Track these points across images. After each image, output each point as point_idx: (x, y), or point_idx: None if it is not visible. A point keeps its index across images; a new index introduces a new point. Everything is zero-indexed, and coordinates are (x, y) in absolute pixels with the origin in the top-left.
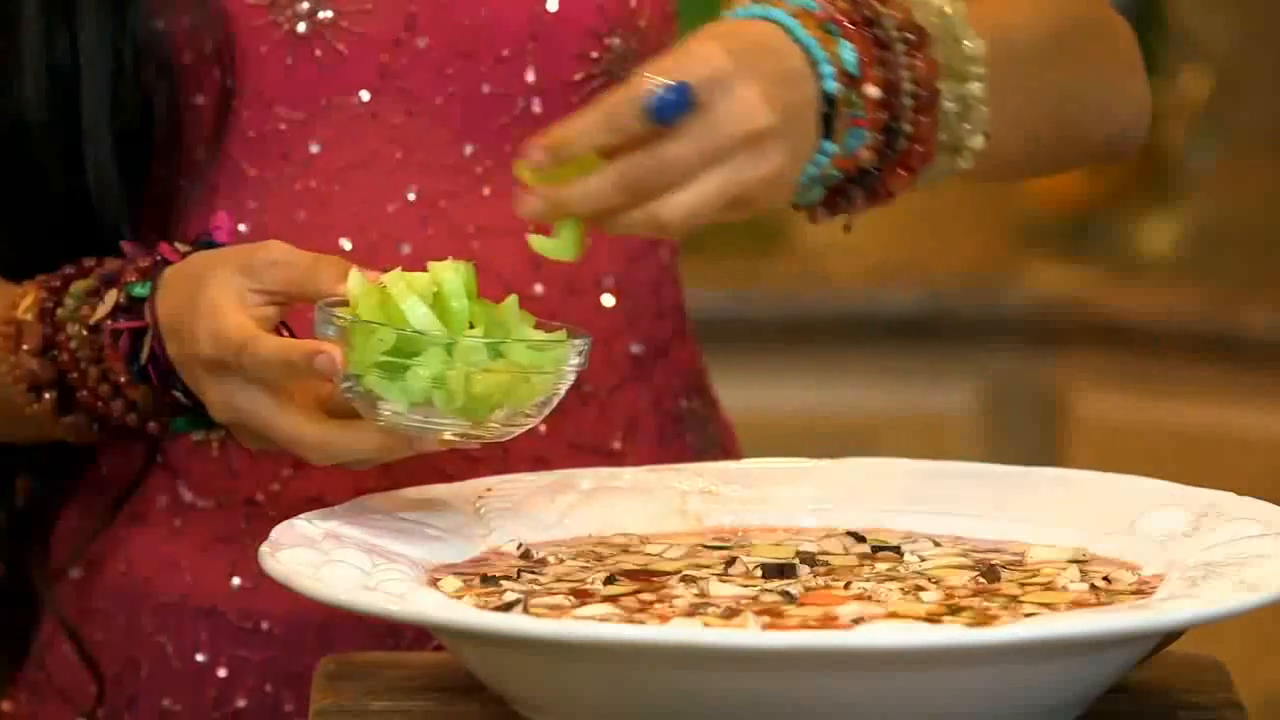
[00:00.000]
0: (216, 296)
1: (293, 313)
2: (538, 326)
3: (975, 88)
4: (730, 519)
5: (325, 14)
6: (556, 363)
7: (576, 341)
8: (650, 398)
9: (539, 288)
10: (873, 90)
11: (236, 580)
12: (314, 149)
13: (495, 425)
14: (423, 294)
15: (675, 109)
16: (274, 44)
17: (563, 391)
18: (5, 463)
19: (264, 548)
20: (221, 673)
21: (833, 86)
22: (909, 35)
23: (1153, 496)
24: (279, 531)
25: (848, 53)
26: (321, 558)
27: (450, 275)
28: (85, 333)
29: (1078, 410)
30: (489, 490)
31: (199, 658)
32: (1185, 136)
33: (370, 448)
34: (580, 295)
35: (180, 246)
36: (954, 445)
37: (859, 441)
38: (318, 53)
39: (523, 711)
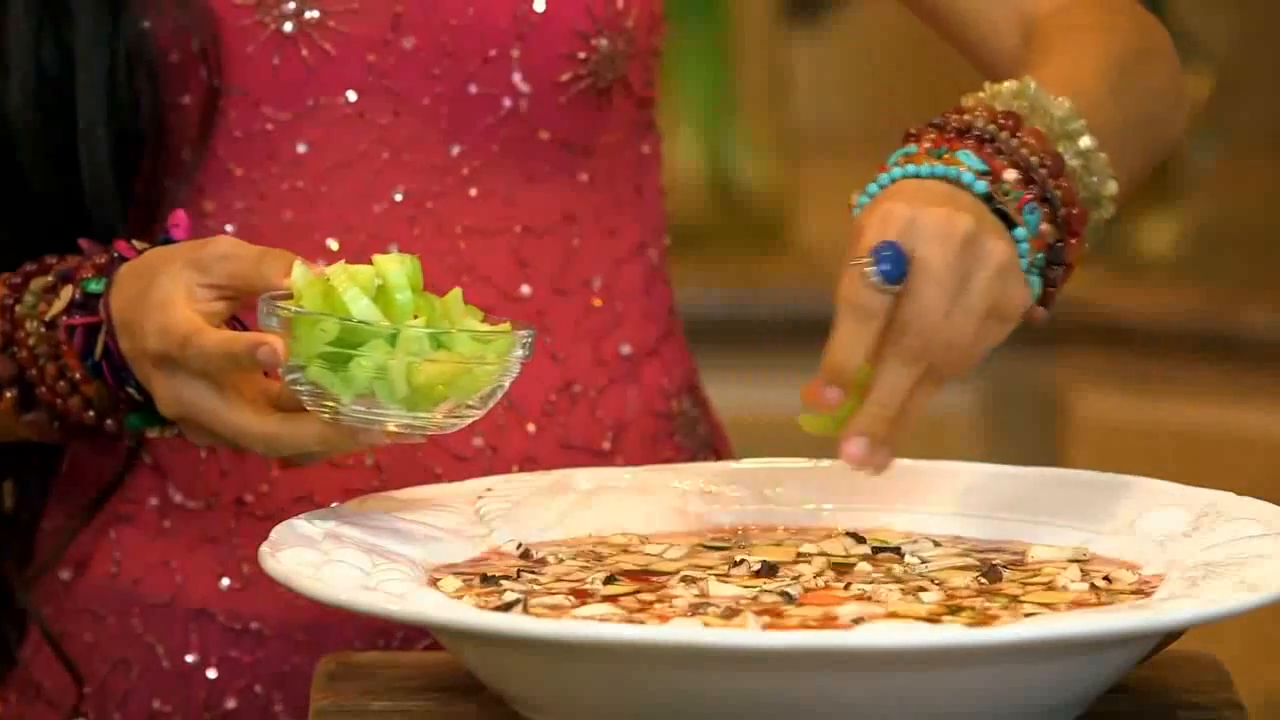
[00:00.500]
0: (166, 291)
1: (249, 309)
2: (488, 322)
3: (1085, 141)
4: (730, 519)
5: (312, 14)
6: (500, 354)
7: (521, 333)
8: (640, 398)
9: (526, 289)
10: (1010, 174)
11: (226, 581)
12: (301, 149)
13: (439, 417)
14: (366, 286)
15: (897, 265)
16: (260, 44)
17: (507, 384)
18: None
19: (264, 548)
20: (211, 674)
21: (981, 187)
22: (1003, 123)
23: (1153, 496)
24: (279, 531)
25: (969, 159)
26: (321, 558)
27: (394, 267)
28: (42, 329)
29: (1078, 410)
30: (489, 490)
31: (189, 659)
32: (1185, 136)
33: (315, 440)
34: (568, 296)
35: (138, 244)
36: (954, 445)
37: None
38: (304, 53)
39: (523, 711)
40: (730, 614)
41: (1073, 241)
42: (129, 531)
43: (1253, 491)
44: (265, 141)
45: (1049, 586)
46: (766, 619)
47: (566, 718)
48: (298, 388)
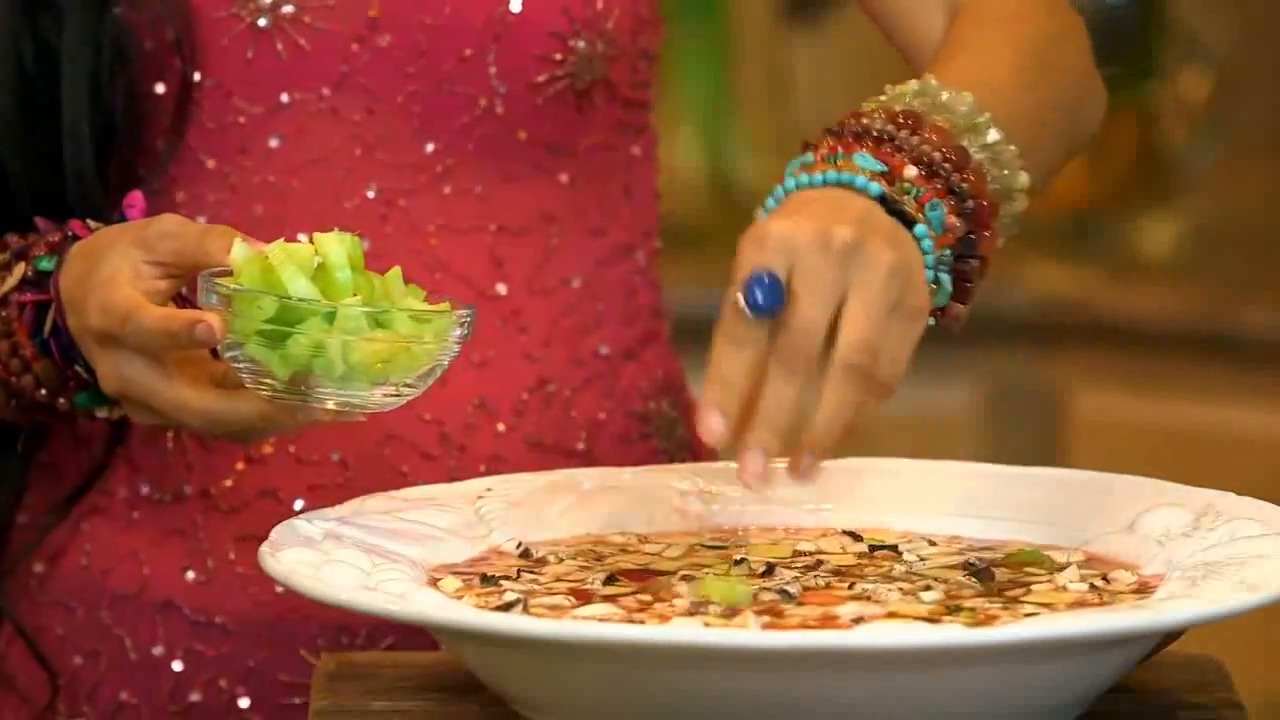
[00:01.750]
0: (111, 269)
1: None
2: (429, 302)
3: (992, 134)
4: (730, 519)
5: (287, 9)
6: (438, 334)
7: (460, 313)
8: (616, 399)
9: (501, 287)
10: (910, 171)
11: (191, 574)
12: (273, 143)
13: (378, 395)
14: (305, 265)
15: (769, 295)
16: (235, 36)
17: (446, 363)
18: None
19: (264, 548)
20: (177, 666)
21: (875, 189)
22: (903, 122)
23: (1153, 496)
24: (279, 531)
25: (865, 161)
26: (321, 558)
27: (334, 246)
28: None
29: (1078, 410)
30: (489, 490)
31: (155, 651)
32: (1185, 136)
33: (254, 417)
34: (546, 295)
35: (91, 223)
36: (954, 445)
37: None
38: (279, 47)
39: (523, 711)
40: (730, 614)
41: (985, 234)
42: (100, 523)
43: (1253, 491)
44: (238, 134)
45: (1050, 587)
46: (766, 619)
47: (566, 718)
48: (237, 365)
